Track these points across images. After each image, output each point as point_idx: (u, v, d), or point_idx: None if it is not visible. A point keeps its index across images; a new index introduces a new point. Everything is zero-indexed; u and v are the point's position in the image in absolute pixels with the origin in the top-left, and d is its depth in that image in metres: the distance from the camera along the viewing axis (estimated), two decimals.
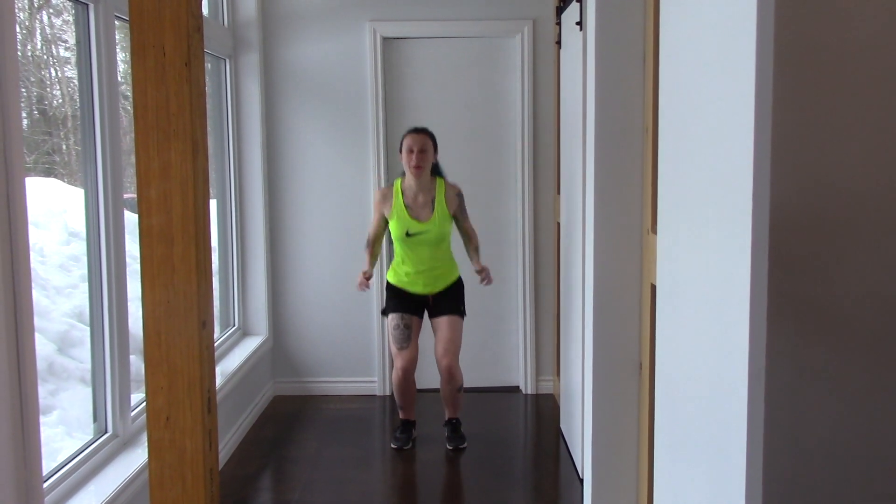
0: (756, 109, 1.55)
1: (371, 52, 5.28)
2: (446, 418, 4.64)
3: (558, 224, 4.96)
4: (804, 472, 1.76)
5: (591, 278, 3.20)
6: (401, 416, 4.62)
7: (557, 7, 4.84)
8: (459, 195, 4.42)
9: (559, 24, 4.79)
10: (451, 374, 4.44)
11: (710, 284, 1.82)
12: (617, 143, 3.12)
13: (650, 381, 2.97)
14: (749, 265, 1.57)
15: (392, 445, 4.54)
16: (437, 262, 4.39)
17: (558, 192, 5.04)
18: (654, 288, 2.87)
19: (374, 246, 4.51)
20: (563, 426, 4.67)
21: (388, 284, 4.49)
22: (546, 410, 5.18)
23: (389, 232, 4.43)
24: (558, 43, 4.90)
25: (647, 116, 3.05)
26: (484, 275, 4.56)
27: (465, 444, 4.56)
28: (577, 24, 3.92)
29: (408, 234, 4.31)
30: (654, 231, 2.93)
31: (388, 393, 5.48)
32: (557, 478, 4.20)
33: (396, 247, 4.41)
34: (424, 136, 4.32)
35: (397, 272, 4.43)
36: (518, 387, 5.57)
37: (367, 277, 4.48)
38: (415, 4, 5.28)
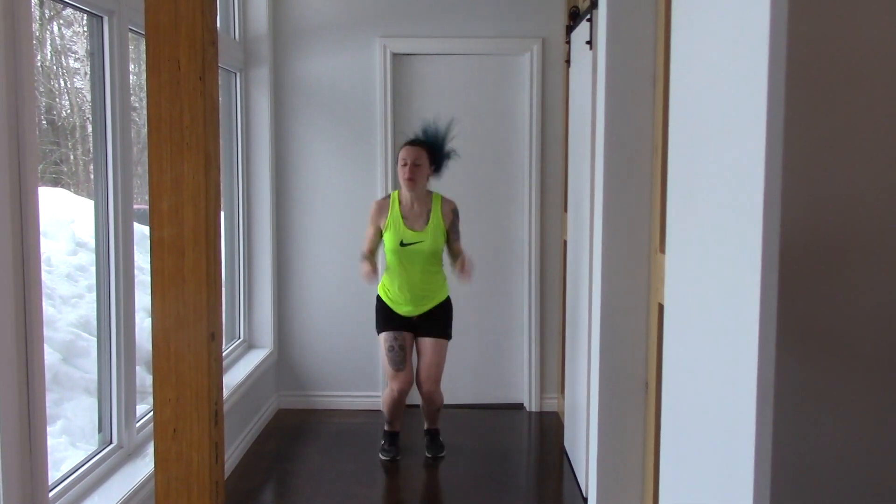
0: (767, 130, 1.55)
1: (381, 68, 5.31)
2: (425, 428, 4.67)
3: (565, 242, 4.97)
4: (812, 494, 1.75)
5: (599, 297, 3.20)
6: (387, 428, 4.61)
7: (567, 26, 4.87)
8: (455, 212, 4.38)
9: (569, 42, 4.81)
10: (431, 398, 4.47)
11: (719, 304, 1.82)
12: (626, 162, 3.12)
13: (657, 401, 2.96)
14: (759, 285, 1.57)
15: (382, 457, 4.55)
16: (428, 280, 4.34)
17: (565, 210, 5.05)
18: (661, 307, 2.87)
19: (370, 260, 4.38)
20: (567, 444, 4.65)
21: (379, 299, 4.46)
22: (550, 428, 5.17)
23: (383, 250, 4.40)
24: (568, 61, 4.92)
25: (656, 135, 3.06)
26: (460, 265, 4.34)
27: (444, 454, 4.59)
28: (588, 42, 3.94)
29: (402, 244, 4.26)
30: (663, 250, 2.93)
31: None
32: (561, 496, 4.19)
33: (389, 261, 4.36)
34: (419, 150, 4.29)
35: (386, 288, 4.41)
36: (522, 404, 5.55)
37: (373, 267, 4.32)
38: (425, 21, 5.31)
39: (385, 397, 4.49)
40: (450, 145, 4.43)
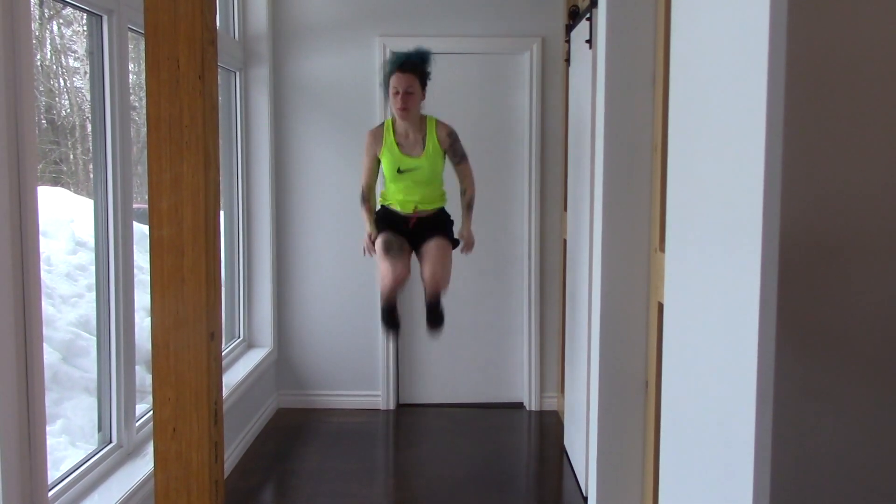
0: (767, 128, 1.55)
1: (380, 67, 5.30)
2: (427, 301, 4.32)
3: (564, 241, 4.97)
4: (811, 493, 1.76)
5: (599, 296, 3.20)
6: (385, 303, 4.23)
7: (567, 25, 4.86)
8: (451, 134, 4.20)
9: (568, 41, 4.81)
10: (436, 293, 4.15)
11: (719, 303, 1.82)
12: (625, 161, 3.12)
13: (656, 400, 2.96)
14: (758, 284, 1.57)
15: (387, 329, 4.32)
16: (428, 193, 4.17)
17: (565, 209, 5.05)
18: (661, 306, 2.87)
19: (369, 199, 4.29)
20: (566, 443, 4.65)
21: (381, 208, 4.27)
22: (550, 427, 5.17)
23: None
24: (567, 60, 4.92)
25: (656, 134, 3.06)
26: (466, 243, 4.27)
27: (444, 323, 4.28)
28: (587, 41, 3.94)
29: (399, 171, 4.12)
30: (662, 249, 2.93)
31: (391, 407, 5.47)
32: (561, 495, 4.19)
33: (388, 184, 4.22)
34: (410, 76, 4.07)
35: (386, 194, 4.24)
36: (522, 403, 5.55)
37: (374, 240, 4.21)
38: (424, 20, 5.31)
39: (382, 288, 4.19)
40: (430, 61, 4.20)
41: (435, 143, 4.15)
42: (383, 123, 4.25)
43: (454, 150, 4.21)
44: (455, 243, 4.25)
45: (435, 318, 4.27)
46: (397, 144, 4.15)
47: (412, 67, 4.10)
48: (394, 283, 4.09)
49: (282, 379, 5.51)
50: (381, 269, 4.18)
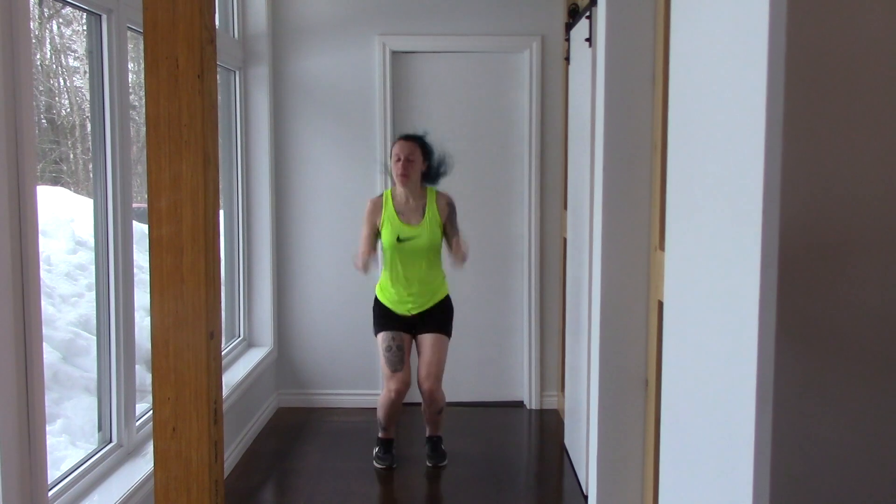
0: (766, 127, 1.55)
1: (380, 66, 5.31)
2: (427, 435, 4.57)
3: (564, 239, 4.97)
4: (812, 490, 1.75)
5: (599, 294, 3.20)
6: (381, 435, 4.49)
7: (566, 23, 4.86)
8: (450, 205, 4.33)
9: (568, 40, 4.81)
10: (433, 397, 4.35)
11: (719, 301, 1.82)
12: (625, 160, 3.12)
13: (657, 398, 2.96)
14: (758, 282, 1.57)
15: (377, 465, 4.44)
16: (427, 277, 4.28)
17: (565, 208, 5.04)
18: (661, 305, 2.87)
19: (366, 264, 4.30)
20: (567, 442, 4.65)
21: (376, 300, 4.39)
22: (550, 426, 5.17)
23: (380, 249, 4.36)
24: (567, 59, 4.92)
25: (655, 133, 3.06)
26: (455, 247, 4.27)
27: (446, 462, 4.49)
28: (587, 40, 3.94)
29: (399, 240, 4.21)
30: (662, 248, 2.93)
31: None
32: (561, 494, 4.19)
33: (386, 260, 4.31)
34: (412, 145, 4.26)
35: (384, 289, 4.34)
36: (522, 402, 5.55)
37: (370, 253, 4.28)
38: (424, 19, 5.31)
39: (381, 399, 4.37)
40: (442, 159, 4.40)
41: (434, 211, 4.28)
42: (383, 193, 4.37)
43: (451, 221, 4.33)
44: (450, 333, 4.42)
45: (437, 455, 4.52)
46: (397, 212, 4.26)
47: (416, 138, 4.30)
48: (395, 398, 4.28)
49: (282, 378, 5.51)
50: (381, 367, 4.38)
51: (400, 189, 4.27)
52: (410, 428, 4.86)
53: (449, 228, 4.31)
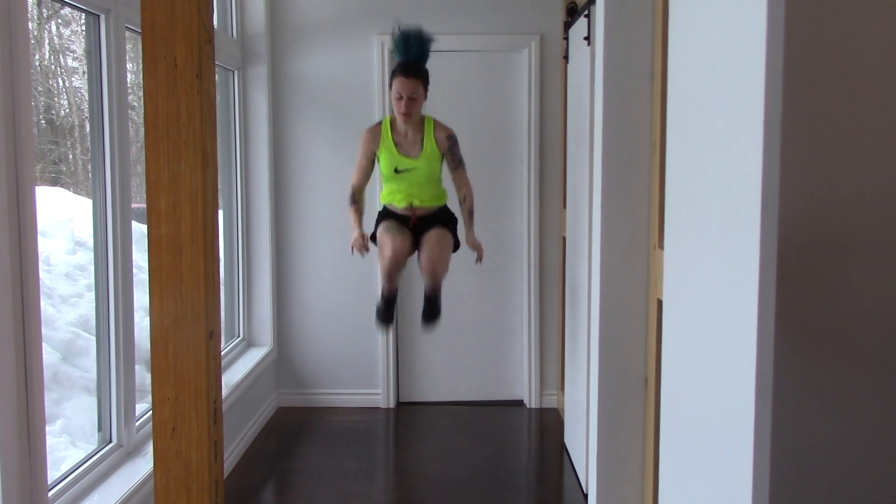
0: (765, 125, 1.55)
1: (378, 65, 5.31)
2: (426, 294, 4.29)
3: (564, 238, 4.97)
4: (811, 488, 1.76)
5: (598, 293, 3.20)
6: (385, 293, 4.22)
7: (565, 22, 4.86)
8: (450, 137, 4.14)
9: (567, 38, 4.81)
10: (434, 274, 4.10)
11: (718, 300, 1.82)
12: (624, 158, 3.12)
13: (656, 397, 2.96)
14: (757, 281, 1.57)
15: (380, 323, 4.28)
16: (426, 192, 4.12)
17: (564, 207, 5.05)
18: (660, 303, 2.87)
19: (359, 200, 4.22)
20: (567, 441, 4.65)
21: (381, 209, 4.23)
22: (550, 425, 5.17)
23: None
24: (566, 58, 4.92)
25: (654, 131, 3.06)
26: (478, 253, 4.22)
27: (439, 318, 4.27)
28: (585, 39, 3.94)
29: (396, 171, 4.08)
30: (661, 246, 2.93)
31: (392, 405, 5.47)
32: (561, 492, 4.19)
33: (385, 183, 4.17)
34: (415, 81, 4.03)
35: (384, 195, 4.19)
36: (522, 401, 5.55)
37: (367, 238, 4.14)
38: (423, 18, 5.29)
39: (382, 266, 4.12)
40: (428, 43, 4.17)
41: (433, 144, 4.11)
42: (381, 122, 4.20)
43: (452, 153, 4.16)
44: (456, 243, 4.21)
45: (432, 311, 4.25)
46: (395, 144, 4.10)
47: (417, 72, 4.07)
48: (394, 255, 4.00)
49: (281, 378, 5.51)
50: (380, 247, 4.10)
51: (400, 122, 4.11)
52: (413, 427, 4.86)
53: (450, 160, 4.17)
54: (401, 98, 4.02)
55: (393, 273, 4.11)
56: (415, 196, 4.12)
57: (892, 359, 1.73)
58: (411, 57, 4.10)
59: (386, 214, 4.20)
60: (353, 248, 4.14)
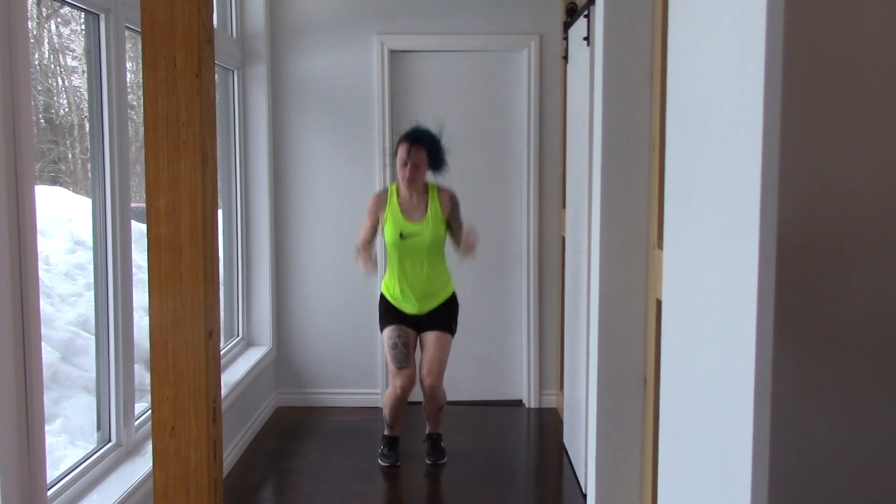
0: (765, 126, 1.55)
1: (378, 65, 5.31)
2: (427, 432, 4.58)
3: (563, 238, 4.97)
4: (809, 488, 1.76)
5: (597, 293, 3.20)
6: (387, 433, 4.53)
7: (565, 22, 4.86)
8: (452, 199, 4.31)
9: (566, 39, 4.81)
10: (434, 394, 4.36)
11: (717, 300, 1.82)
12: (624, 159, 3.12)
13: (655, 396, 2.96)
14: (756, 281, 1.57)
15: (382, 463, 4.47)
16: (431, 275, 4.26)
17: (564, 207, 5.05)
18: (659, 303, 2.87)
19: (367, 249, 4.35)
20: (566, 440, 4.65)
21: (382, 297, 4.38)
22: (549, 425, 5.17)
23: (383, 246, 4.36)
24: (565, 58, 4.92)
25: (654, 131, 3.06)
26: (464, 244, 4.26)
27: (445, 460, 4.50)
28: (585, 39, 3.94)
29: (402, 236, 4.20)
30: (661, 246, 2.93)
31: None
32: (560, 492, 4.19)
33: (390, 257, 4.31)
34: (419, 149, 4.21)
35: (390, 287, 4.33)
36: (521, 401, 5.56)
37: (369, 257, 4.30)
38: (422, 18, 5.31)
39: (387, 396, 4.41)
40: (445, 147, 4.34)
41: (437, 207, 4.24)
42: (387, 189, 4.35)
43: (455, 216, 4.31)
44: (454, 331, 4.42)
45: (437, 453, 4.52)
46: (401, 209, 4.25)
47: (425, 142, 4.23)
48: (401, 394, 4.29)
49: (281, 377, 5.51)
50: (388, 364, 4.35)
51: (404, 188, 4.26)
52: (410, 427, 4.85)
53: (453, 223, 4.31)
54: (406, 164, 4.19)
55: (397, 414, 4.43)
56: (419, 301, 4.27)
57: (891, 358, 1.73)
58: (424, 133, 4.28)
59: (389, 309, 4.34)
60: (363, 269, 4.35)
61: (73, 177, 4.72)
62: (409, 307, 4.29)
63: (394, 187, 4.33)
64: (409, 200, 4.26)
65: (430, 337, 4.33)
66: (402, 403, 4.37)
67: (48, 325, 4.07)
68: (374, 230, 4.34)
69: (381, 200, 4.31)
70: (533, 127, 5.33)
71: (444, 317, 4.35)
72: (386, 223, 4.26)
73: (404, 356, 4.27)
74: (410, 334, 4.32)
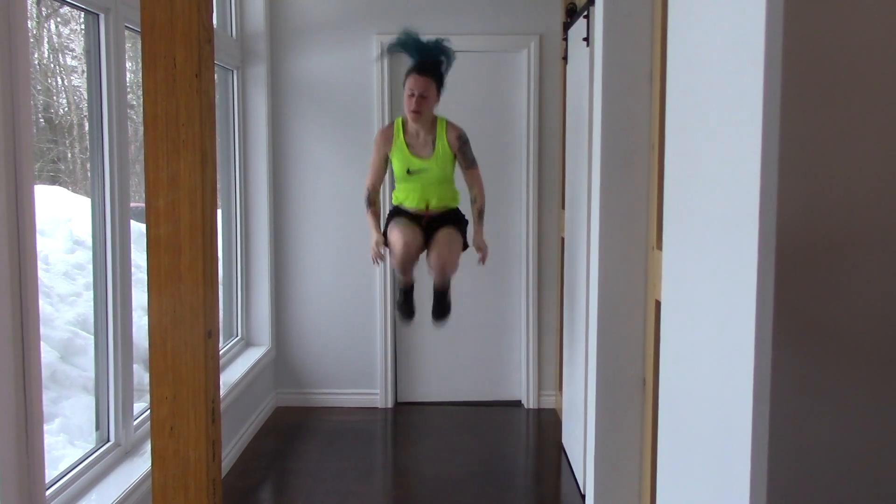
0: (764, 127, 1.55)
1: (378, 66, 5.31)
2: (435, 290, 4.32)
3: (562, 239, 4.97)
4: (808, 490, 1.76)
5: (596, 293, 3.20)
6: (402, 285, 4.31)
7: (564, 23, 4.87)
8: (461, 137, 4.17)
9: (566, 39, 4.81)
10: (443, 271, 4.13)
11: (716, 300, 1.82)
12: (623, 159, 3.12)
13: (654, 397, 2.96)
14: (755, 281, 1.57)
15: (399, 316, 4.33)
16: (440, 193, 4.15)
17: (563, 207, 5.05)
18: (658, 304, 2.87)
19: (374, 202, 4.26)
20: (564, 441, 4.65)
21: (391, 209, 4.26)
22: (548, 425, 5.17)
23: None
24: (565, 58, 4.92)
25: (653, 132, 3.06)
26: (482, 254, 4.25)
27: (449, 315, 4.33)
28: (584, 39, 3.94)
29: (409, 172, 4.10)
30: (660, 247, 2.93)
31: (390, 405, 5.47)
32: (559, 493, 4.19)
33: (398, 184, 4.20)
34: (427, 80, 4.06)
35: (397, 196, 4.21)
36: (520, 401, 5.56)
37: (382, 242, 4.18)
38: (422, 19, 5.30)
39: (395, 259, 4.13)
40: (452, 55, 4.17)
41: (445, 144, 4.13)
42: (393, 123, 4.23)
43: (463, 153, 4.18)
44: (465, 243, 4.23)
45: (442, 307, 4.29)
46: (407, 145, 4.13)
47: (430, 70, 4.08)
48: (405, 248, 4.02)
49: (280, 377, 5.51)
50: (391, 243, 4.11)
51: (411, 122, 4.14)
52: (411, 427, 4.86)
53: (461, 160, 4.18)
54: (412, 95, 4.04)
55: (406, 265, 4.13)
56: (428, 197, 4.14)
57: (891, 359, 1.73)
58: (428, 54, 4.10)
59: (397, 212, 4.22)
60: (373, 259, 4.21)
61: (72, 176, 4.72)
62: (417, 200, 4.13)
63: (399, 121, 4.20)
64: (416, 137, 4.13)
65: (438, 234, 4.13)
66: (410, 255, 4.08)
67: (47, 325, 4.07)
68: (383, 168, 4.22)
69: (387, 136, 4.18)
70: (532, 127, 5.33)
71: (451, 220, 4.20)
72: (393, 158, 4.15)
73: (407, 224, 4.09)
74: (417, 230, 4.13)
